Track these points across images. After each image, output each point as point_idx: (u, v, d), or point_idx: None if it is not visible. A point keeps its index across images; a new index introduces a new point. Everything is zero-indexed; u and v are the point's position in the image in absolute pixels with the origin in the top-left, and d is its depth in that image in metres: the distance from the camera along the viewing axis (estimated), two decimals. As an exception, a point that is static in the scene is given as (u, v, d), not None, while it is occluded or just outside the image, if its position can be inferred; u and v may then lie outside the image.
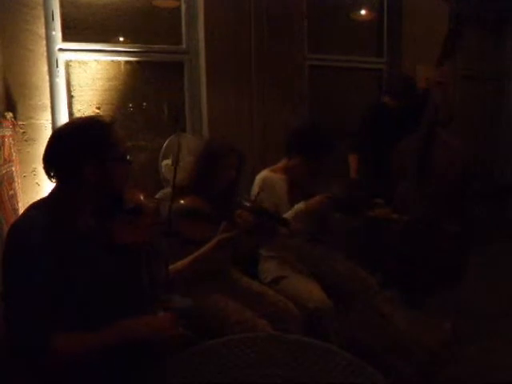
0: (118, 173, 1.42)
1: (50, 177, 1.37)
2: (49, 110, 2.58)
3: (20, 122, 2.48)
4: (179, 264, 1.78)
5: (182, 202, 1.71)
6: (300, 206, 2.26)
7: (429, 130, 2.70)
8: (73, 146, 1.34)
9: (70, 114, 2.82)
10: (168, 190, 2.09)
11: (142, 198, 1.55)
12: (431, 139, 2.71)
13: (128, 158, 1.45)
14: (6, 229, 1.99)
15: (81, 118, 1.52)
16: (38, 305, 1.21)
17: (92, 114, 1.46)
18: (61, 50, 2.74)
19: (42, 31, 2.54)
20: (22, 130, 2.49)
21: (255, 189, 2.38)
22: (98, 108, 2.93)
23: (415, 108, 2.82)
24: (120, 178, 1.44)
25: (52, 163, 1.37)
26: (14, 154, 2.35)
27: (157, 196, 2.06)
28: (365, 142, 3.17)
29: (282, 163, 2.46)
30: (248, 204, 1.88)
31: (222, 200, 2.01)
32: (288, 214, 2.19)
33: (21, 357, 1.27)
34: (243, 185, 2.41)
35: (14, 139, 2.36)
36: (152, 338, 1.37)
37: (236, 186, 2.16)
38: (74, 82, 2.86)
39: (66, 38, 2.76)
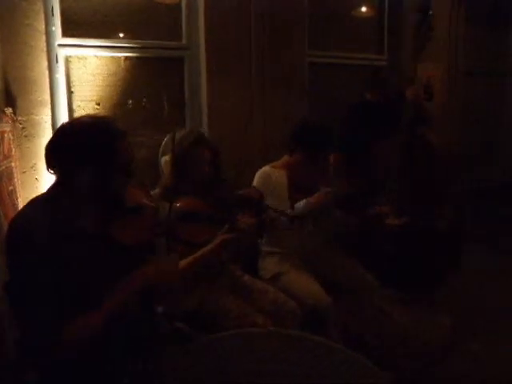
0: (117, 183, 1.41)
1: (49, 170, 1.37)
2: (48, 105, 2.57)
3: (19, 118, 2.47)
4: (180, 263, 1.78)
5: (178, 204, 1.69)
6: (301, 203, 2.26)
7: (408, 126, 2.69)
8: (75, 147, 1.32)
9: (70, 109, 2.81)
10: (157, 190, 2.09)
11: (142, 197, 1.55)
12: (412, 139, 2.70)
13: (130, 170, 1.43)
14: (5, 224, 1.99)
15: (91, 118, 1.42)
16: (47, 301, 1.22)
17: (103, 115, 1.41)
18: (60, 45, 2.73)
19: (42, 26, 2.53)
20: (21, 126, 2.48)
21: (255, 184, 2.38)
22: (98, 104, 2.93)
23: (396, 104, 2.81)
24: (118, 187, 1.42)
25: (52, 158, 1.36)
26: (14, 150, 2.35)
27: (151, 193, 2.05)
28: (348, 141, 3.13)
29: (284, 159, 2.46)
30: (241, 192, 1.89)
31: (216, 199, 2.00)
32: (290, 213, 2.18)
33: (33, 355, 1.28)
34: (244, 181, 2.41)
35: (13, 135, 2.35)
36: (160, 280, 1.40)
37: (216, 181, 2.13)
38: (73, 78, 2.85)
39: (65, 34, 2.74)
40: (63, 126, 1.41)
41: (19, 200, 2.31)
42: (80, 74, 2.87)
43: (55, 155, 1.35)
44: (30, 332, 1.24)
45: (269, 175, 2.36)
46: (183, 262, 1.80)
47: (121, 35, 3.01)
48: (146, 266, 1.38)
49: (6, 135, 2.23)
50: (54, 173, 1.36)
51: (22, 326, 1.30)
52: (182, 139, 2.09)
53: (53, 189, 1.39)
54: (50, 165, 1.36)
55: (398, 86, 3.15)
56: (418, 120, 2.74)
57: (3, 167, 2.16)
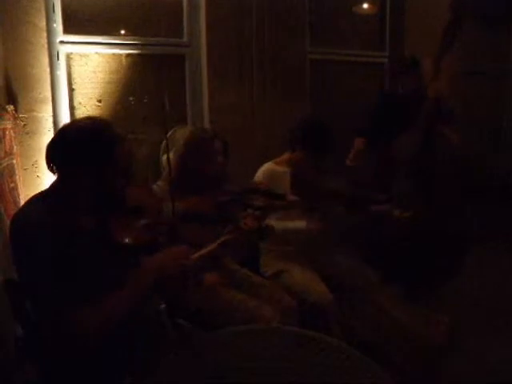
0: (117, 184, 1.41)
1: (50, 170, 1.38)
2: (50, 102, 2.57)
3: (21, 115, 2.47)
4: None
5: (180, 204, 1.69)
6: (301, 224, 2.27)
7: (427, 124, 2.67)
8: (73, 151, 1.33)
9: (71, 106, 2.82)
10: (160, 183, 2.10)
11: (144, 196, 1.55)
12: (430, 134, 2.68)
13: (130, 172, 1.44)
14: (6, 221, 1.99)
15: (91, 121, 1.41)
16: (49, 289, 1.22)
17: (103, 119, 1.40)
18: (62, 42, 2.73)
19: (43, 23, 2.53)
20: (23, 123, 2.48)
21: (257, 181, 2.38)
22: (99, 101, 2.93)
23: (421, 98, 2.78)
24: (118, 189, 1.43)
25: (52, 160, 1.37)
26: (15, 147, 2.35)
27: (153, 187, 2.06)
28: (375, 130, 3.11)
29: (286, 156, 2.45)
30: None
31: (219, 195, 2.00)
32: (285, 225, 2.20)
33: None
34: (244, 177, 2.40)
35: (15, 132, 2.36)
36: (171, 268, 1.40)
37: (225, 174, 2.14)
38: (74, 75, 2.85)
39: (66, 31, 2.75)
40: (63, 129, 1.42)
41: (20, 197, 2.32)
42: (81, 71, 2.87)
43: (55, 158, 1.36)
44: (45, 324, 1.25)
45: (271, 172, 2.35)
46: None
47: (122, 32, 3.00)
48: (155, 256, 1.39)
49: (7, 132, 2.23)
50: (54, 173, 1.37)
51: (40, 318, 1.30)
52: (197, 134, 2.13)
53: (54, 187, 1.39)
54: (50, 166, 1.37)
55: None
56: (438, 117, 2.71)
57: (5, 164, 2.16)
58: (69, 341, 1.22)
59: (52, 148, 1.37)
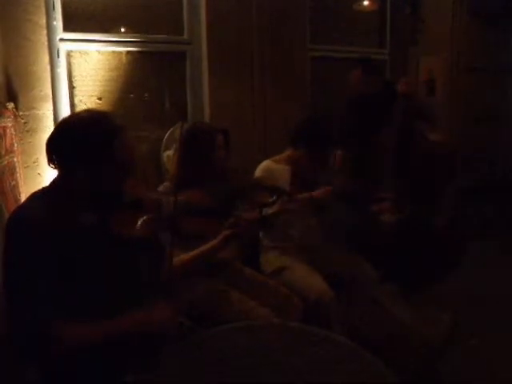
0: (117, 178, 1.40)
1: (50, 165, 1.37)
2: (50, 100, 2.57)
3: (21, 113, 2.47)
4: (183, 257, 1.78)
5: (181, 197, 1.69)
6: (304, 195, 2.26)
7: (402, 122, 2.65)
8: (73, 143, 1.32)
9: (72, 104, 2.82)
10: (168, 183, 2.09)
11: (143, 191, 1.54)
12: (406, 132, 2.67)
13: (130, 165, 1.42)
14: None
15: (89, 114, 1.40)
16: (39, 294, 1.21)
17: (102, 110, 1.38)
18: (62, 40, 2.72)
19: (43, 21, 2.53)
20: (23, 121, 2.48)
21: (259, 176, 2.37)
22: (100, 98, 2.92)
23: (389, 96, 2.77)
24: (117, 183, 1.42)
25: (52, 154, 1.36)
26: (16, 145, 2.35)
27: (159, 189, 2.05)
28: (347, 137, 3.09)
29: (287, 153, 2.45)
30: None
31: (220, 189, 2.00)
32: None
33: (23, 346, 1.27)
34: (243, 174, 2.40)
35: (15, 130, 2.35)
36: (153, 329, 1.37)
37: (227, 167, 2.14)
38: (75, 73, 2.85)
39: (67, 28, 2.74)
40: (62, 122, 1.41)
41: (22, 195, 2.31)
42: (81, 68, 2.87)
43: (54, 151, 1.36)
44: (21, 321, 1.23)
45: (271, 169, 2.35)
46: (186, 256, 1.80)
47: (122, 30, 3.00)
48: (138, 313, 1.34)
49: (8, 130, 2.23)
50: (55, 168, 1.37)
51: (14, 318, 1.27)
52: (197, 127, 2.12)
53: (54, 183, 1.39)
54: (51, 160, 1.36)
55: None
56: (412, 115, 2.70)
57: (5, 162, 2.16)
58: (41, 346, 1.21)
59: (51, 143, 1.36)
